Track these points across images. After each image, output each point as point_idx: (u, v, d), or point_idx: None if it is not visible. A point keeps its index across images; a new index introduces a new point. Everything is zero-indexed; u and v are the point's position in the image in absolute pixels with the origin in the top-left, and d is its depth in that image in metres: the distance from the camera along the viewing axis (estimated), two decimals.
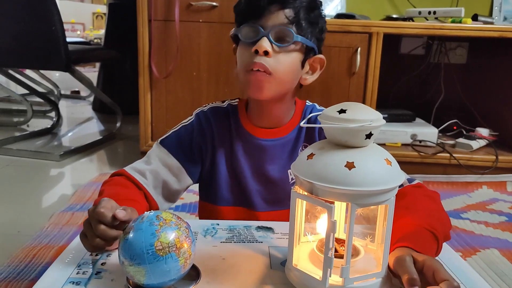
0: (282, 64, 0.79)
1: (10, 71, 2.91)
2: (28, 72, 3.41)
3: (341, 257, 0.58)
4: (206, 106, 0.92)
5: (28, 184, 1.90)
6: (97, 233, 0.62)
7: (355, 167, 0.55)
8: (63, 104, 3.64)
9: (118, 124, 2.76)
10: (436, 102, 2.27)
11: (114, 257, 0.68)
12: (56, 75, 4.49)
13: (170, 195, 0.89)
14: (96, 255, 0.68)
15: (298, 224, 0.63)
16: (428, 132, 2.06)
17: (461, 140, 2.07)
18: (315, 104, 0.94)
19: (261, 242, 0.76)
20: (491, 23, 1.99)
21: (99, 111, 3.38)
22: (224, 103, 0.93)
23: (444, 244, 0.73)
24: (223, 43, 1.91)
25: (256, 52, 0.77)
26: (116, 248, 0.67)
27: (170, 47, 1.90)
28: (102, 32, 5.89)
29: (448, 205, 1.77)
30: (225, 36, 1.90)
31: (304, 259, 0.64)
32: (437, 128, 2.10)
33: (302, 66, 0.84)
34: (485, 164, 1.97)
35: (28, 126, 2.87)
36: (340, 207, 0.64)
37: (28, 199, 1.73)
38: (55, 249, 1.27)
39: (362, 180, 0.55)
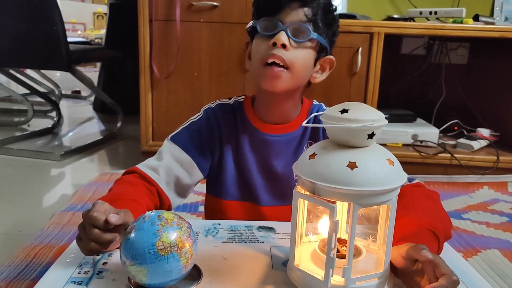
0: (298, 58, 0.81)
1: (11, 71, 2.91)
2: (29, 72, 3.41)
3: (343, 257, 0.58)
4: (213, 103, 0.94)
5: (29, 184, 1.90)
6: (91, 237, 0.62)
7: (357, 167, 0.55)
8: (64, 104, 3.64)
9: (119, 124, 2.75)
10: (437, 103, 2.27)
11: (115, 257, 0.68)
12: (57, 75, 4.49)
13: (183, 190, 0.91)
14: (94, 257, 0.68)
15: (300, 224, 0.63)
16: (429, 133, 2.06)
17: (462, 140, 2.06)
18: (322, 103, 0.96)
19: (263, 242, 0.76)
20: (492, 23, 1.99)
21: (100, 111, 3.38)
22: (231, 100, 0.95)
23: (446, 244, 0.73)
24: (224, 43, 1.91)
25: (274, 44, 0.80)
26: (116, 248, 0.68)
27: (171, 47, 1.90)
28: (103, 32, 5.89)
29: (449, 205, 1.77)
30: (226, 36, 1.90)
31: (306, 259, 0.64)
32: (438, 128, 2.09)
33: (314, 64, 0.87)
34: (486, 164, 1.97)
35: (29, 126, 2.87)
36: (342, 207, 0.64)
37: (28, 199, 1.73)
38: (56, 249, 1.27)
39: (364, 180, 0.54)
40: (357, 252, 0.63)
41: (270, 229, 0.81)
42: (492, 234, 1.52)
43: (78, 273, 0.64)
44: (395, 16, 2.15)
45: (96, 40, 5.72)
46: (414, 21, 2.05)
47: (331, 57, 0.89)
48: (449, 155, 1.96)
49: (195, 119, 0.93)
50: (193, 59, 1.92)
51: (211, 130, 0.91)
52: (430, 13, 2.01)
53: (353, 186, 0.54)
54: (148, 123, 1.98)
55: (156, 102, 1.96)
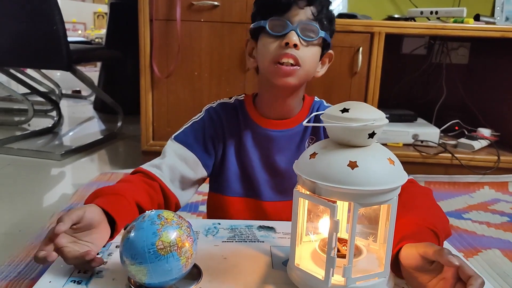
0: (308, 56, 0.84)
1: (12, 71, 2.91)
2: (30, 71, 3.41)
3: (343, 256, 0.58)
4: (214, 102, 0.96)
5: (29, 184, 1.90)
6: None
7: (357, 166, 0.55)
8: (64, 104, 3.64)
9: (119, 124, 2.75)
10: (438, 102, 2.26)
11: (115, 256, 0.68)
12: (57, 74, 4.50)
13: (189, 188, 0.91)
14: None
15: (301, 224, 0.63)
16: (429, 132, 2.05)
17: (463, 140, 2.06)
18: (323, 100, 0.97)
19: (263, 241, 0.76)
20: (493, 23, 1.98)
21: (100, 110, 3.38)
22: (231, 99, 0.96)
23: (446, 244, 0.73)
24: (224, 43, 1.91)
25: (286, 44, 0.81)
26: (116, 248, 0.67)
27: (172, 47, 1.90)
28: (103, 31, 5.89)
29: (449, 205, 1.76)
30: (226, 36, 1.90)
31: (306, 258, 0.64)
32: (439, 128, 2.09)
33: (320, 59, 0.89)
34: (487, 164, 1.96)
35: (29, 125, 2.87)
36: (342, 207, 0.64)
37: (29, 199, 1.73)
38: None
39: (365, 179, 0.54)
40: (358, 252, 0.63)
41: (270, 228, 0.81)
42: (493, 234, 1.52)
43: (78, 272, 0.63)
44: (396, 15, 2.14)
45: (97, 40, 5.72)
46: (415, 20, 2.05)
47: (330, 51, 0.91)
48: (449, 155, 1.96)
49: (197, 119, 0.94)
50: (194, 58, 1.92)
51: (214, 128, 0.92)
52: (431, 12, 2.00)
53: (353, 186, 0.54)
54: (149, 123, 1.98)
55: (156, 102, 1.96)
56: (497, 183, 1.96)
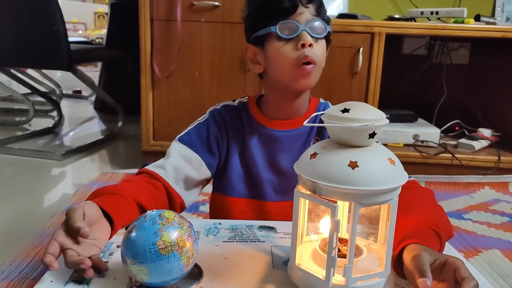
0: (321, 53, 0.85)
1: (12, 71, 2.91)
2: (30, 71, 3.41)
3: (344, 256, 0.58)
4: (218, 105, 0.96)
5: (30, 183, 1.90)
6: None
7: (358, 166, 0.55)
8: (64, 104, 3.64)
9: (119, 124, 2.76)
10: (438, 103, 2.26)
11: (116, 256, 0.68)
12: (58, 74, 4.50)
13: (193, 188, 0.91)
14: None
15: (301, 224, 0.63)
16: (430, 133, 2.05)
17: (463, 140, 2.06)
18: (328, 102, 0.97)
19: (264, 241, 0.76)
20: (494, 23, 1.98)
21: (101, 110, 3.38)
22: (235, 102, 0.97)
23: (447, 244, 0.73)
24: (225, 43, 1.91)
25: (302, 45, 0.82)
26: (117, 247, 0.67)
27: (172, 47, 1.90)
28: (104, 31, 5.89)
29: (450, 205, 1.76)
30: (227, 36, 1.90)
31: (307, 258, 0.64)
32: (439, 128, 2.09)
33: (326, 51, 0.89)
34: (487, 164, 1.96)
35: (30, 125, 2.87)
36: (343, 207, 0.64)
37: (29, 198, 1.73)
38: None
39: (365, 179, 0.54)
40: (358, 252, 0.63)
41: (271, 228, 0.81)
42: (493, 234, 1.52)
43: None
44: (396, 16, 2.14)
45: (97, 40, 5.72)
46: (415, 21, 2.05)
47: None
48: (450, 155, 1.96)
49: (201, 120, 0.94)
50: (194, 59, 1.92)
51: (218, 129, 0.92)
52: (432, 13, 2.00)
53: (354, 186, 0.54)
54: (149, 123, 1.98)
55: (157, 102, 1.96)
56: (498, 183, 1.96)
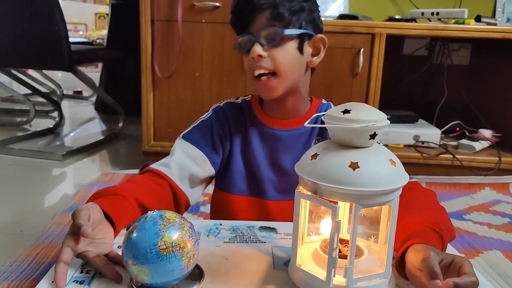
0: (280, 59, 0.83)
1: (13, 71, 2.91)
2: (31, 72, 3.42)
3: (345, 257, 0.58)
4: (221, 102, 0.96)
5: (31, 184, 1.90)
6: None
7: (359, 167, 0.55)
8: (65, 104, 3.64)
9: (120, 124, 2.76)
10: (439, 103, 2.27)
11: None
12: (58, 75, 4.50)
13: (197, 186, 0.91)
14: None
15: (302, 224, 0.63)
16: (430, 133, 2.05)
17: (464, 141, 2.06)
18: (330, 103, 0.97)
19: (264, 242, 0.76)
20: (494, 24, 1.98)
21: (102, 111, 3.38)
22: (238, 99, 0.97)
23: (448, 246, 0.73)
24: (225, 44, 1.91)
25: (254, 57, 0.83)
26: (118, 248, 0.68)
27: (173, 48, 1.90)
28: (104, 32, 5.89)
29: (451, 206, 1.76)
30: (228, 37, 1.90)
31: (308, 259, 0.64)
32: (440, 129, 2.09)
33: (302, 52, 0.86)
34: (488, 165, 1.96)
35: (30, 126, 2.87)
36: (344, 208, 0.64)
37: (30, 199, 1.74)
38: (57, 249, 1.27)
39: (366, 180, 0.54)
40: (359, 253, 0.63)
41: (272, 229, 0.81)
42: (494, 235, 1.52)
43: (81, 272, 0.64)
44: (397, 17, 2.14)
45: (98, 41, 5.72)
46: (416, 22, 2.05)
47: (320, 35, 0.88)
48: (450, 156, 1.96)
49: (205, 118, 0.94)
50: (195, 59, 1.93)
51: (222, 126, 0.93)
52: (432, 14, 2.00)
53: (355, 187, 0.54)
54: (150, 123, 1.98)
55: (157, 102, 1.97)
56: (498, 184, 1.96)
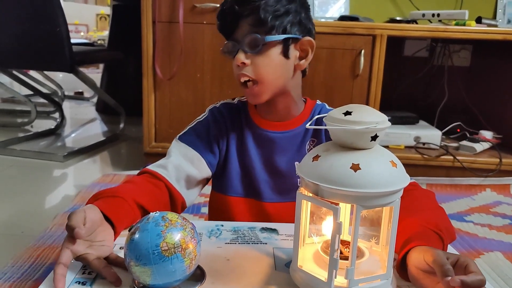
0: (263, 67, 0.83)
1: (14, 72, 2.92)
2: (32, 73, 3.42)
3: (346, 258, 0.58)
4: (217, 103, 0.97)
5: (32, 185, 1.90)
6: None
7: (360, 169, 0.55)
8: (66, 105, 3.65)
9: (121, 125, 2.76)
10: (439, 105, 2.27)
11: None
12: (59, 76, 4.50)
13: (194, 187, 0.92)
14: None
15: (303, 226, 0.63)
16: (431, 135, 2.05)
17: (464, 142, 2.06)
18: (325, 103, 0.97)
19: (266, 243, 0.76)
20: (495, 25, 1.98)
21: (103, 112, 3.39)
22: (234, 100, 0.98)
23: (448, 247, 0.73)
24: None
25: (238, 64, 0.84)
26: (120, 249, 0.68)
27: (174, 49, 1.91)
28: (106, 33, 5.91)
29: (451, 207, 1.76)
30: None
31: (309, 260, 0.64)
32: (441, 130, 2.09)
33: (287, 56, 0.85)
34: (489, 167, 1.96)
35: (32, 127, 2.88)
36: (345, 209, 0.64)
37: (31, 200, 1.74)
38: (59, 250, 1.26)
39: (367, 182, 0.55)
40: (360, 254, 0.63)
41: (273, 230, 0.81)
42: (494, 237, 1.52)
43: (83, 274, 0.64)
44: (398, 18, 2.14)
45: (99, 42, 5.73)
46: (416, 23, 2.05)
47: (307, 38, 0.86)
48: (451, 157, 1.96)
49: (201, 119, 0.94)
50: (196, 60, 1.93)
51: (218, 127, 0.93)
52: (433, 15, 2.01)
53: (356, 188, 0.54)
54: (151, 125, 1.98)
55: (159, 104, 1.97)
56: (499, 185, 1.96)
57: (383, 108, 1.90)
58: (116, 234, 0.71)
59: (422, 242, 0.62)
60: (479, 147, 2.03)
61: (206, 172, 0.91)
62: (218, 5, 1.85)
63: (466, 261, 0.58)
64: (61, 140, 2.71)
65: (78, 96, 4.07)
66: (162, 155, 0.93)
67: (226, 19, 0.85)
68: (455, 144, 2.09)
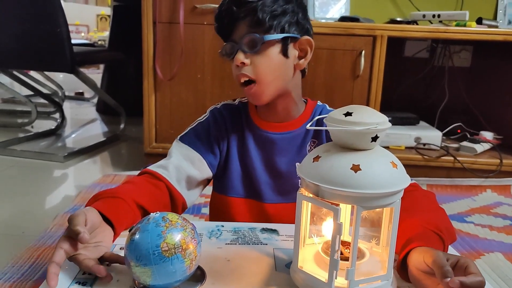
0: (262, 67, 0.83)
1: (15, 72, 2.92)
2: (33, 73, 3.43)
3: (346, 259, 0.58)
4: (218, 104, 0.97)
5: (32, 185, 1.90)
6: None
7: (361, 169, 0.55)
8: (67, 106, 3.65)
9: (122, 126, 2.76)
10: (440, 105, 2.27)
11: None
12: (60, 76, 4.51)
13: (195, 188, 0.92)
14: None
15: (304, 226, 0.63)
16: (432, 135, 2.05)
17: (465, 143, 2.06)
18: (326, 104, 0.97)
19: (266, 244, 0.76)
20: (496, 26, 1.99)
21: (103, 112, 3.39)
22: (235, 101, 0.98)
23: (449, 248, 0.73)
24: None
25: (238, 65, 0.84)
26: (120, 249, 0.68)
27: (175, 49, 1.91)
28: (106, 34, 5.91)
29: (452, 208, 1.76)
30: None
31: (309, 261, 0.64)
32: (441, 131, 2.09)
33: (287, 55, 0.85)
34: (489, 167, 1.96)
35: (32, 127, 2.88)
36: (345, 210, 0.64)
37: (32, 200, 1.74)
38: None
39: (368, 182, 0.55)
40: (360, 255, 0.63)
41: (274, 231, 0.81)
42: (495, 238, 1.52)
43: (83, 274, 0.64)
44: (398, 19, 2.14)
45: (100, 42, 5.74)
46: (417, 24, 2.05)
47: (306, 37, 0.86)
48: (452, 158, 1.96)
49: (202, 120, 0.95)
50: (197, 61, 1.93)
51: (219, 128, 0.93)
52: (433, 16, 2.01)
53: (356, 189, 0.54)
54: (151, 125, 1.98)
55: (159, 104, 1.97)
56: (500, 186, 1.96)
57: (383, 109, 1.91)
58: (115, 235, 0.71)
59: (423, 243, 0.62)
60: (480, 148, 2.03)
61: (207, 173, 0.91)
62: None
63: (466, 262, 0.58)
64: (62, 141, 2.71)
65: (79, 97, 4.07)
66: (163, 155, 0.93)
67: (223, 20, 0.85)
68: (455, 145, 2.09)
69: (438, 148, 2.03)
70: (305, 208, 0.62)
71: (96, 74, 4.60)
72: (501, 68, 2.19)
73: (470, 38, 1.91)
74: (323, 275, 0.59)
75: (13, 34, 2.32)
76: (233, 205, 0.94)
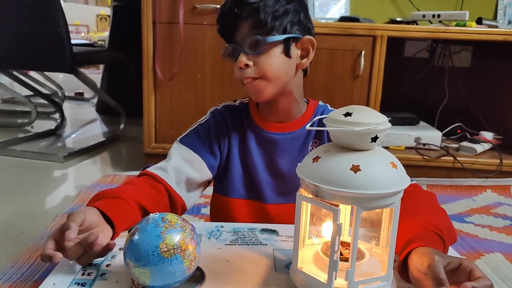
0: (266, 66, 0.83)
1: (15, 73, 2.92)
2: (33, 73, 3.43)
3: (346, 260, 0.58)
4: (219, 105, 0.97)
5: (32, 185, 1.90)
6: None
7: (360, 170, 0.55)
8: (67, 106, 3.65)
9: (121, 126, 2.76)
10: (440, 106, 2.26)
11: (119, 259, 0.68)
12: (60, 76, 4.51)
13: (194, 190, 0.92)
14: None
15: (303, 227, 0.63)
16: (432, 136, 2.05)
17: (465, 143, 2.06)
18: (327, 104, 0.97)
19: (266, 244, 0.76)
20: (496, 26, 1.98)
21: (103, 112, 3.39)
22: (236, 102, 0.98)
23: (449, 248, 0.73)
24: None
25: (241, 67, 0.84)
26: (120, 250, 0.68)
27: (175, 50, 1.91)
28: (106, 34, 5.91)
29: (452, 208, 1.76)
30: None
31: (309, 262, 0.64)
32: (441, 131, 2.09)
33: (289, 55, 0.85)
34: (489, 167, 1.96)
35: (32, 127, 2.88)
36: (345, 210, 0.64)
37: (31, 200, 1.74)
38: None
39: (368, 183, 0.55)
40: (360, 255, 0.63)
41: (273, 231, 0.81)
42: (495, 238, 1.51)
43: (82, 275, 0.64)
44: (398, 19, 2.14)
45: (99, 42, 5.74)
46: (417, 24, 2.05)
47: (308, 37, 0.87)
48: (452, 158, 1.96)
49: (202, 121, 0.94)
50: (197, 61, 1.93)
51: (219, 130, 0.93)
52: (433, 16, 2.01)
53: (356, 189, 0.54)
54: (151, 125, 1.98)
55: (159, 104, 1.97)
56: (500, 186, 1.96)
57: (383, 109, 1.90)
58: (115, 234, 0.71)
59: (423, 243, 0.62)
60: (480, 148, 2.03)
61: (207, 174, 0.91)
62: (219, 6, 1.86)
63: (470, 265, 0.58)
64: (61, 141, 2.71)
65: (79, 97, 4.07)
66: (163, 155, 0.93)
67: (225, 22, 0.85)
68: (455, 145, 2.09)
69: (438, 148, 2.03)
70: (305, 209, 0.62)
71: (96, 74, 4.60)
72: (501, 68, 2.19)
73: (470, 38, 1.91)
74: (322, 276, 0.59)
75: (13, 34, 2.32)
76: (234, 206, 0.94)
